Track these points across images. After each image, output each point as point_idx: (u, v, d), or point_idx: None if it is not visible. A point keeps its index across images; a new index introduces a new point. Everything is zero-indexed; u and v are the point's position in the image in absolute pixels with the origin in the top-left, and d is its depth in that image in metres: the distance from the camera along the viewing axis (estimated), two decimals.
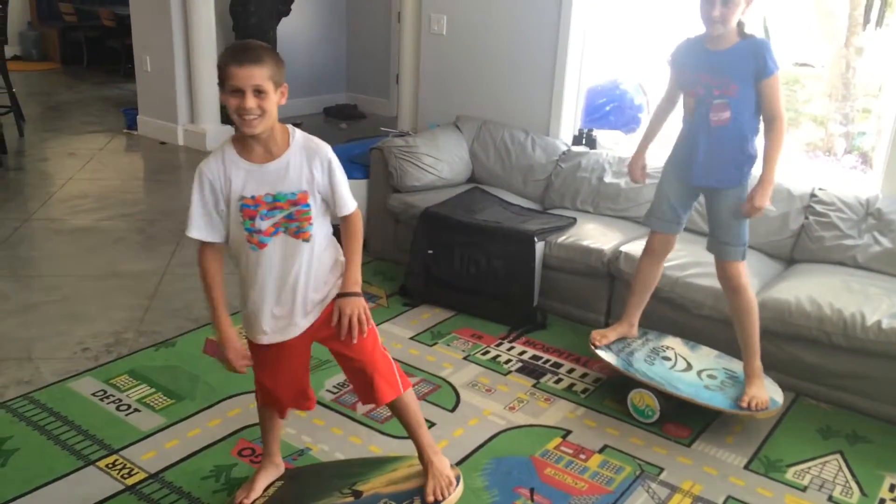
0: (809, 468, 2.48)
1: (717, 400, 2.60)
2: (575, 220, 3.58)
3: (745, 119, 2.48)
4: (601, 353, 2.81)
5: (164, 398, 2.67)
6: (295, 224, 1.87)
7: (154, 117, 6.15)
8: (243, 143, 1.85)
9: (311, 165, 1.86)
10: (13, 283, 3.54)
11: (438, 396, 2.78)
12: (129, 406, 2.61)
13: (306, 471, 2.31)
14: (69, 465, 2.31)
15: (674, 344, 2.90)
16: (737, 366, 2.77)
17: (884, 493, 2.38)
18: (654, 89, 4.65)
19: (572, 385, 2.91)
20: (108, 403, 2.62)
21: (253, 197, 1.84)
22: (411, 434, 2.12)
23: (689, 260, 3.11)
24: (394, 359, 2.08)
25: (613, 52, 4.60)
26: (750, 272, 2.75)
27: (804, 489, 2.39)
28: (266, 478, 2.19)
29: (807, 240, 3.26)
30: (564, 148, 4.00)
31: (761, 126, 2.54)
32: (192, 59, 5.80)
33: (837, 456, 2.55)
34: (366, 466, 2.27)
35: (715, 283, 2.95)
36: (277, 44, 6.43)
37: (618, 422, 2.69)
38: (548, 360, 3.08)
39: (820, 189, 3.33)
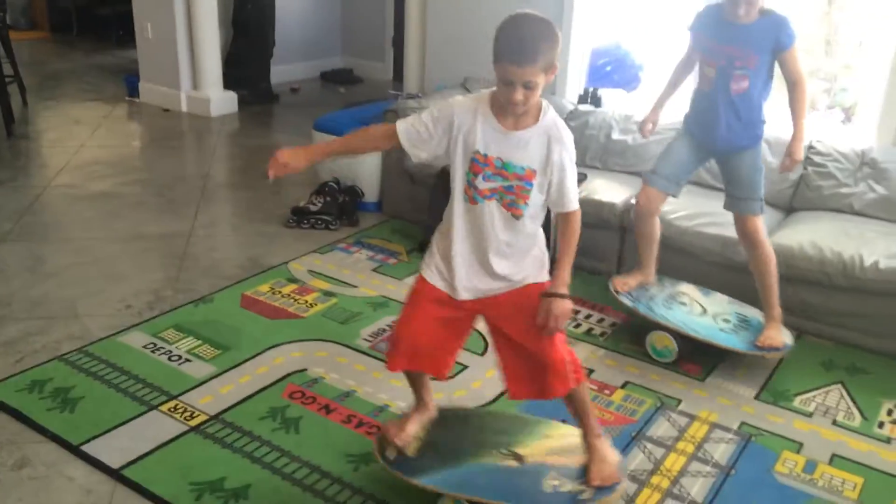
0: (814, 397, 2.71)
1: (732, 341, 2.81)
2: (585, 175, 3.74)
3: (759, 86, 2.67)
4: (623, 300, 2.99)
5: (212, 349, 2.83)
6: (511, 197, 1.89)
7: (156, 84, 6.19)
8: (501, 106, 1.86)
9: (550, 149, 1.86)
10: (46, 246, 3.65)
11: (468, 342, 2.94)
12: (180, 357, 2.77)
13: (451, 417, 2.33)
14: (133, 409, 2.47)
15: (688, 290, 3.09)
16: (747, 311, 2.98)
17: (882, 416, 2.62)
18: (654, 49, 4.79)
19: (591, 329, 3.11)
20: (159, 355, 2.77)
21: (486, 155, 1.87)
22: (578, 420, 2.12)
23: (695, 211, 3.30)
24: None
25: (616, 13, 4.73)
26: None
27: (810, 415, 2.61)
28: (418, 420, 2.21)
29: (806, 189, 3.46)
30: (571, 107, 4.15)
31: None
32: (194, 25, 5.83)
33: (839, 386, 2.78)
34: (514, 425, 2.31)
35: (722, 231, 3.16)
36: (275, 8, 6.48)
37: (636, 361, 2.90)
38: None
39: (818, 141, 3.52)
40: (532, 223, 1.95)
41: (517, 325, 1.99)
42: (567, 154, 1.89)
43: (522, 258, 1.98)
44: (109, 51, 8.41)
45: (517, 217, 1.91)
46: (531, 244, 1.99)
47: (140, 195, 4.37)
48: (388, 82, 7.13)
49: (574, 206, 1.94)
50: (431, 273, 2.03)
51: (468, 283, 1.99)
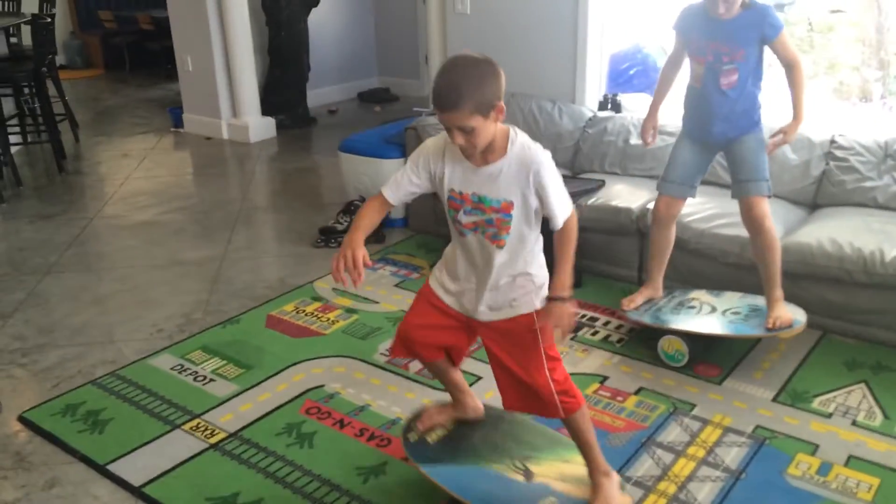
0: (835, 397, 2.65)
1: (740, 329, 2.80)
2: (603, 182, 3.74)
3: (749, 75, 2.67)
4: (631, 316, 3.00)
5: (235, 368, 2.94)
6: (492, 230, 1.91)
7: (198, 114, 6.44)
8: None
9: (525, 177, 1.85)
10: (89, 275, 3.86)
11: (484, 353, 2.99)
12: (205, 377, 2.89)
13: (489, 413, 2.38)
14: (158, 429, 2.59)
15: (699, 295, 3.07)
16: (760, 301, 2.92)
17: None
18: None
19: (608, 336, 3.11)
20: (185, 376, 2.90)
21: (461, 193, 1.91)
22: (581, 451, 2.10)
23: (715, 212, 3.27)
24: None
25: (634, 17, 4.71)
26: (775, 219, 2.89)
27: (829, 416, 2.55)
28: (451, 414, 2.31)
29: (828, 185, 3.38)
30: (590, 114, 4.15)
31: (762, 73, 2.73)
32: (230, 55, 6.07)
33: (862, 385, 2.71)
34: (539, 440, 2.31)
35: (740, 231, 3.10)
36: (309, 34, 6.66)
37: (651, 366, 2.88)
38: (584, 315, 3.28)
39: (840, 135, 3.44)
40: (518, 247, 1.94)
41: (504, 349, 2.04)
42: (545, 173, 1.86)
43: (511, 288, 1.98)
44: (159, 84, 8.78)
45: (500, 248, 1.93)
46: (520, 267, 1.97)
47: (180, 223, 4.56)
48: (424, 99, 7.22)
49: (560, 222, 1.91)
50: (437, 286, 2.10)
51: (467, 308, 2.05)
